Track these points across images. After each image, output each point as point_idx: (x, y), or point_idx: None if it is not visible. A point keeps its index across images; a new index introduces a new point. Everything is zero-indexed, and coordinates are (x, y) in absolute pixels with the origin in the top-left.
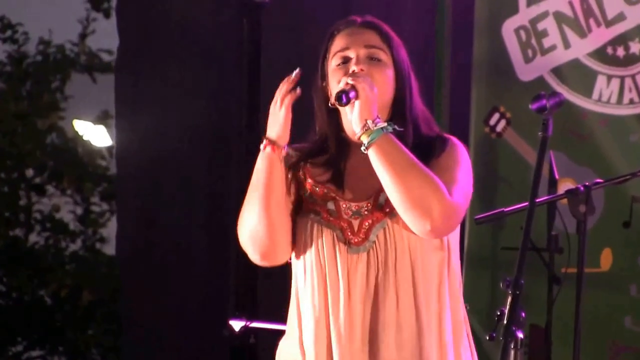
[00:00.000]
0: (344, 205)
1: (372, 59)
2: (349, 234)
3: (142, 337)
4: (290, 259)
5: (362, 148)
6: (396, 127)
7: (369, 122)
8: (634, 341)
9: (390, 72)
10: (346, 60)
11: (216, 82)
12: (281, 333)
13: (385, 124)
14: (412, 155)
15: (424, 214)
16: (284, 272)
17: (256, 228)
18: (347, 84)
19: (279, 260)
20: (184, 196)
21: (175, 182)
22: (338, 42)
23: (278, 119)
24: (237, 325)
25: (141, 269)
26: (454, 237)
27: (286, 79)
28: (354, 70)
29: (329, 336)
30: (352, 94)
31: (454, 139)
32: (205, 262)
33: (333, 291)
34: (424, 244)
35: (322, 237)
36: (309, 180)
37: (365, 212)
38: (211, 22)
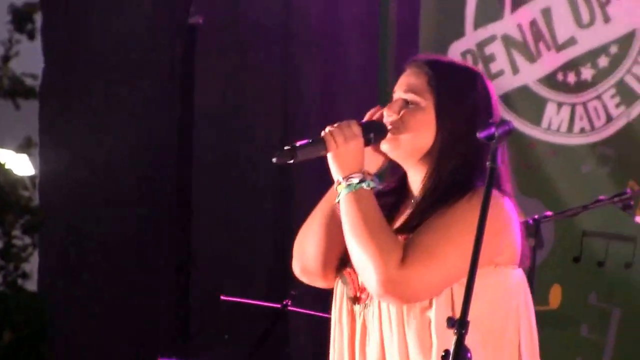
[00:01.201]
0: None
1: (408, 103)
2: (356, 291)
3: None
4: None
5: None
6: (370, 183)
7: (339, 177)
8: None
9: (425, 117)
10: None
11: (147, 107)
12: None
13: (355, 181)
14: (374, 217)
15: (367, 281)
16: (217, 307)
17: (306, 238)
18: (324, 133)
19: (317, 281)
20: (114, 228)
21: (103, 213)
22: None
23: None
24: None
25: (67, 305)
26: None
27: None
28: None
29: None
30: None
31: (479, 196)
32: (137, 297)
33: (338, 347)
34: (413, 305)
35: (337, 289)
36: None
37: None
38: (144, 44)
